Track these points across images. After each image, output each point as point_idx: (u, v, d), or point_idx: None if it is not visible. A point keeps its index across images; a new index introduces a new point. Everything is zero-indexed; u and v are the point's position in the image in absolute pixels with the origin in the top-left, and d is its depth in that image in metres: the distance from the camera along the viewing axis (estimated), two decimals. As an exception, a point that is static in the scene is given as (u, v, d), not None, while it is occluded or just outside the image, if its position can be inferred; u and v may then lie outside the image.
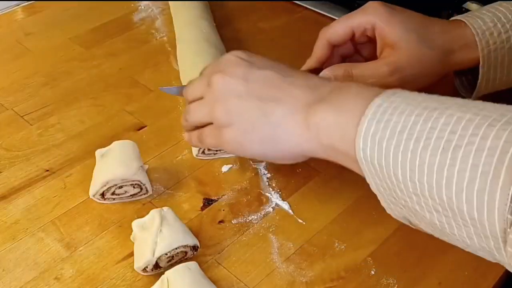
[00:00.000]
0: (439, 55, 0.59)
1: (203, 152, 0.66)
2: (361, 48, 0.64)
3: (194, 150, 0.66)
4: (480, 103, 0.39)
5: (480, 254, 0.40)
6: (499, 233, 0.35)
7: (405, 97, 0.42)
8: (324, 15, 0.91)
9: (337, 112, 0.45)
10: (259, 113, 0.50)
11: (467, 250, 0.41)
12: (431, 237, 0.58)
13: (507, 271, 0.56)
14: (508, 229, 0.34)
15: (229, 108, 0.51)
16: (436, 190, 0.38)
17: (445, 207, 0.38)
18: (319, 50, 0.62)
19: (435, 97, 0.42)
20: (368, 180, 0.44)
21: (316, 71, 0.61)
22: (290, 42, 0.86)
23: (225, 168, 0.65)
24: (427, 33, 0.59)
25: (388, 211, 0.45)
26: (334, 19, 0.90)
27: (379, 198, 0.45)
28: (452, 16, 0.65)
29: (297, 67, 0.78)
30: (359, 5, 0.82)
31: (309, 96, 0.48)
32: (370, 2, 0.60)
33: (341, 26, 0.61)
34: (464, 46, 0.60)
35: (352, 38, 0.61)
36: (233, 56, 0.54)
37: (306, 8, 0.92)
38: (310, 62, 0.63)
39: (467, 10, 0.81)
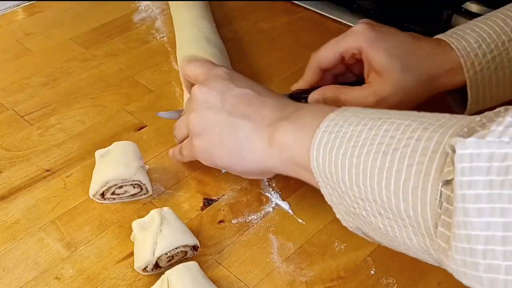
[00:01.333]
0: (424, 82, 0.60)
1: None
2: (352, 67, 0.65)
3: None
4: (421, 112, 0.42)
5: (422, 257, 0.41)
6: (432, 229, 0.37)
7: (355, 111, 0.45)
8: (324, 15, 0.91)
9: (296, 128, 0.48)
10: (228, 127, 0.53)
11: (411, 255, 0.42)
12: (430, 237, 0.59)
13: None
14: (438, 223, 0.36)
15: (202, 119, 0.55)
16: (377, 192, 0.40)
17: (386, 208, 0.40)
18: (310, 73, 0.65)
19: (382, 110, 0.44)
20: (322, 191, 0.47)
21: (306, 91, 0.63)
22: (290, 42, 0.86)
23: (225, 168, 0.65)
24: (412, 60, 0.59)
25: (343, 222, 0.47)
26: (334, 20, 0.91)
27: (334, 210, 0.47)
28: (452, 16, 0.64)
29: (297, 67, 0.79)
30: (359, 6, 0.82)
31: (275, 115, 0.51)
32: (359, 23, 0.62)
33: (330, 52, 0.63)
34: (449, 70, 0.60)
35: (343, 59, 0.63)
36: (219, 71, 0.58)
37: (306, 8, 0.92)
38: (301, 83, 0.65)
39: (467, 10, 0.81)
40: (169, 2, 0.89)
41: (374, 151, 0.40)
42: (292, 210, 0.61)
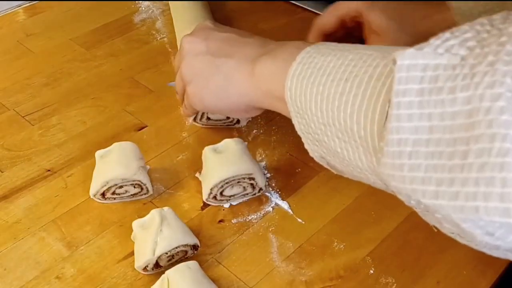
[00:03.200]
0: (421, 40, 0.61)
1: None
2: (353, 31, 0.67)
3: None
4: (393, 46, 0.44)
5: (372, 180, 0.44)
6: (377, 146, 0.39)
7: (330, 45, 0.48)
8: (324, 15, 0.91)
9: (275, 61, 0.51)
10: (213, 67, 0.56)
11: (365, 181, 0.46)
12: (429, 236, 0.59)
13: (506, 270, 0.56)
14: (382, 143, 0.38)
15: (190, 66, 0.58)
16: (336, 115, 0.43)
17: (343, 131, 0.43)
18: (313, 39, 0.68)
19: (354, 45, 0.47)
20: (293, 122, 0.49)
21: None
22: (290, 43, 0.86)
23: (225, 168, 0.66)
24: (408, 20, 0.62)
25: (310, 153, 0.49)
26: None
27: (303, 140, 0.49)
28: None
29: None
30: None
31: (257, 51, 0.54)
32: None
33: (331, 16, 0.66)
34: (446, 29, 0.61)
35: (343, 24, 0.66)
36: (205, 23, 0.62)
37: (306, 9, 0.93)
38: None
39: None
40: (169, 2, 0.89)
41: (338, 78, 0.43)
42: (291, 210, 0.61)
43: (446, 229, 0.38)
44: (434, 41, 0.37)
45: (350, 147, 0.43)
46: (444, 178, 0.34)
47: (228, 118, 0.69)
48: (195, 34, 0.60)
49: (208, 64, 0.57)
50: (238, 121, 0.70)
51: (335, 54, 0.45)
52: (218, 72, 0.56)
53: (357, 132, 0.41)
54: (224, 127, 0.70)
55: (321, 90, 0.44)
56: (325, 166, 0.49)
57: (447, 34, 0.37)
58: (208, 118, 0.69)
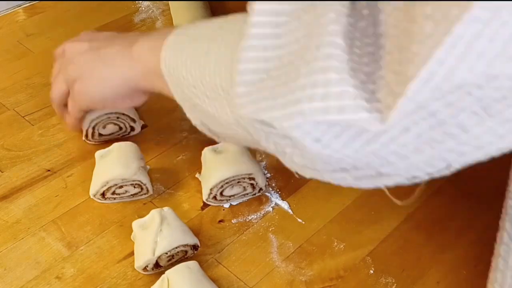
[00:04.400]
0: None
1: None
2: None
3: (204, 195, 0.62)
4: None
5: (243, 136, 0.44)
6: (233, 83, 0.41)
7: (203, 22, 0.51)
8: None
9: (152, 41, 0.54)
10: (96, 60, 0.59)
11: (238, 140, 0.48)
12: (430, 236, 0.59)
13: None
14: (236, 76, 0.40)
15: (76, 64, 0.60)
16: (203, 74, 0.45)
17: (209, 88, 0.44)
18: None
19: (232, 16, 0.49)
20: (172, 92, 0.50)
21: None
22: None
23: (225, 168, 0.66)
24: None
25: (193, 121, 0.50)
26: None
27: (184, 110, 0.51)
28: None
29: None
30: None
31: (137, 38, 0.57)
32: None
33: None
34: None
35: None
36: (84, 32, 0.65)
37: (306, 8, 0.92)
38: None
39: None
40: (169, 2, 0.89)
41: (206, 40, 0.46)
42: (291, 210, 0.61)
43: (294, 162, 0.39)
44: None
45: (217, 102, 0.44)
46: (280, 92, 0.36)
47: (121, 129, 0.67)
48: (77, 39, 0.63)
49: (91, 58, 0.59)
50: (132, 129, 0.68)
51: (207, 24, 0.49)
52: (101, 63, 0.58)
53: (219, 85, 0.43)
54: (120, 138, 0.67)
55: (190, 53, 0.47)
56: (208, 133, 0.50)
57: None
58: (100, 134, 0.66)
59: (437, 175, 0.36)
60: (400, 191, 0.41)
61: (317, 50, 0.34)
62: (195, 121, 0.50)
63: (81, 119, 0.65)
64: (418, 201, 0.62)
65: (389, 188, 0.39)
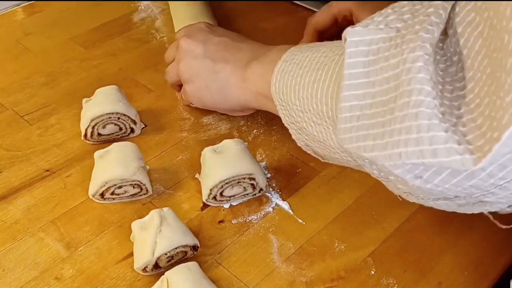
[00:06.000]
0: None
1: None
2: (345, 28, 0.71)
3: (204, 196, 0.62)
4: None
5: (345, 159, 0.49)
6: (336, 120, 0.45)
7: (310, 44, 0.54)
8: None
9: (263, 65, 0.58)
10: (211, 72, 0.63)
11: (340, 162, 0.51)
12: (431, 237, 0.59)
13: (507, 271, 0.56)
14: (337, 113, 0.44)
15: (188, 66, 0.64)
16: (310, 101, 0.49)
17: (316, 114, 0.49)
18: (308, 37, 0.73)
19: (333, 41, 0.52)
20: (280, 114, 0.55)
21: None
22: (290, 42, 0.85)
23: (225, 168, 0.65)
24: None
25: (298, 143, 0.55)
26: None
27: (290, 131, 0.55)
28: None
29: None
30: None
31: (249, 56, 0.60)
32: None
33: (324, 14, 0.71)
34: None
35: (336, 23, 0.71)
36: (200, 25, 0.68)
37: (307, 8, 0.92)
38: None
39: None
40: (169, 2, 0.89)
41: (312, 68, 0.49)
42: (292, 210, 0.61)
43: (399, 189, 0.43)
44: (377, 18, 0.42)
45: (323, 128, 0.48)
46: (378, 133, 0.40)
47: (121, 129, 0.67)
48: (192, 37, 0.65)
49: (207, 68, 0.63)
50: (132, 131, 0.68)
51: (312, 50, 0.51)
52: (216, 77, 0.62)
53: (326, 113, 0.47)
54: (119, 139, 0.67)
55: (298, 81, 0.50)
56: (312, 154, 0.55)
57: (388, 10, 0.42)
58: (100, 134, 0.66)
59: None
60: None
61: (408, 97, 0.37)
62: (300, 143, 0.55)
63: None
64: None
65: (491, 213, 0.42)
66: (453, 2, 0.40)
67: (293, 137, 0.55)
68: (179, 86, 0.69)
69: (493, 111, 0.33)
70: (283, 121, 0.54)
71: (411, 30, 0.39)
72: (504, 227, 0.44)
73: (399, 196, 0.45)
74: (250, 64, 0.59)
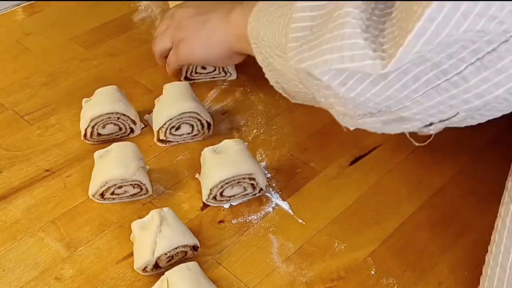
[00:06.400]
0: None
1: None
2: None
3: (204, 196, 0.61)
4: None
5: (303, 92, 0.51)
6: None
7: None
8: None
9: (245, 7, 0.61)
10: (200, 23, 0.68)
11: (304, 98, 0.53)
12: (431, 237, 0.59)
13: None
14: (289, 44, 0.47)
15: (182, 26, 0.70)
16: (274, 34, 0.51)
17: (278, 47, 0.50)
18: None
19: None
20: (255, 54, 0.57)
21: None
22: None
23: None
24: None
25: (271, 82, 0.56)
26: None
27: (264, 71, 0.56)
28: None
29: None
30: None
31: (235, 6, 0.64)
32: None
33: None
34: None
35: None
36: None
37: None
38: None
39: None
40: (169, 2, 0.89)
41: (282, 5, 0.51)
42: (292, 210, 0.61)
43: (337, 111, 0.46)
44: None
45: (284, 60, 0.50)
46: (314, 45, 0.43)
47: (120, 129, 0.67)
48: (187, 4, 0.72)
49: (196, 21, 0.68)
50: (132, 131, 0.68)
51: None
52: (205, 26, 0.67)
53: (285, 44, 0.48)
54: (119, 139, 0.67)
55: (268, 18, 0.53)
56: (282, 93, 0.56)
57: None
58: (99, 134, 0.66)
59: (449, 124, 0.43)
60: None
61: (341, 9, 0.41)
62: (271, 81, 0.56)
63: (179, 69, 0.75)
64: (419, 200, 0.62)
65: (409, 133, 0.46)
66: None
67: (266, 75, 0.56)
68: (165, 57, 0.74)
69: (405, 22, 0.37)
70: (257, 60, 0.57)
71: None
72: (417, 144, 0.47)
73: (344, 127, 0.48)
74: (234, 9, 0.64)
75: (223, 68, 0.76)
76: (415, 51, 0.37)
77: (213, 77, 0.77)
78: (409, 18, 0.37)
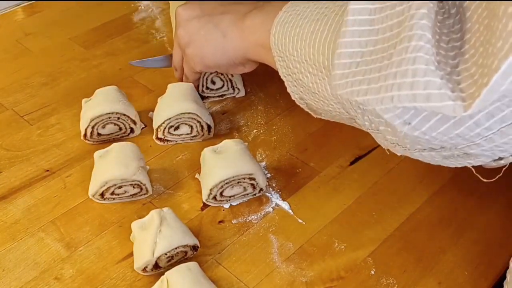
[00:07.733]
0: None
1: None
2: None
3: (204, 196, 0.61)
4: None
5: (338, 110, 0.48)
6: (331, 66, 0.45)
7: None
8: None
9: (262, 14, 0.57)
10: (210, 26, 0.62)
11: (334, 116, 0.51)
12: (431, 237, 0.59)
13: (507, 271, 0.56)
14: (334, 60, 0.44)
15: (188, 29, 0.64)
16: (308, 51, 0.49)
17: (312, 65, 0.48)
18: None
19: None
20: (277, 66, 0.54)
21: None
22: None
23: (225, 168, 0.65)
24: None
25: (292, 96, 0.54)
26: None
27: (285, 84, 0.54)
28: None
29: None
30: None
31: (248, 8, 0.60)
32: None
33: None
34: None
35: None
36: None
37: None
38: None
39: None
40: (169, 2, 0.89)
41: (312, 19, 0.49)
42: (292, 210, 0.61)
43: (387, 140, 0.44)
44: None
45: (318, 79, 0.48)
46: (374, 77, 0.40)
47: (120, 129, 0.67)
48: (189, 3, 0.66)
49: (205, 23, 0.62)
50: (132, 131, 0.68)
51: (314, 1, 0.51)
52: (216, 30, 0.62)
53: (322, 63, 0.47)
54: (119, 139, 0.68)
55: (297, 31, 0.50)
56: (305, 109, 0.54)
57: None
58: (99, 134, 0.66)
59: None
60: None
61: (408, 42, 0.37)
62: (294, 96, 0.54)
63: (198, 79, 0.70)
64: (419, 200, 0.62)
65: (474, 167, 0.43)
66: None
67: (288, 90, 0.54)
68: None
69: (485, 59, 0.34)
70: (280, 73, 0.54)
71: None
72: (486, 180, 0.44)
73: (387, 150, 0.45)
74: (250, 13, 0.59)
75: (231, 84, 0.73)
76: (501, 90, 0.33)
77: (222, 94, 0.74)
78: (491, 55, 0.33)
